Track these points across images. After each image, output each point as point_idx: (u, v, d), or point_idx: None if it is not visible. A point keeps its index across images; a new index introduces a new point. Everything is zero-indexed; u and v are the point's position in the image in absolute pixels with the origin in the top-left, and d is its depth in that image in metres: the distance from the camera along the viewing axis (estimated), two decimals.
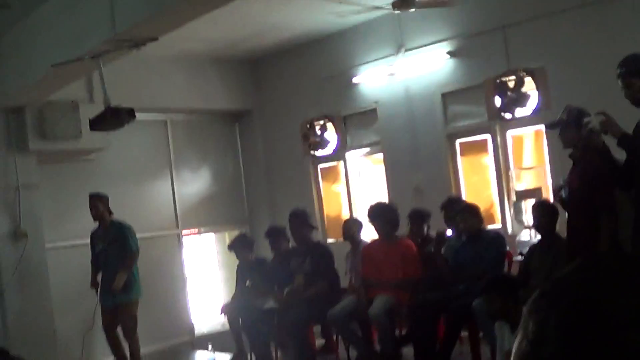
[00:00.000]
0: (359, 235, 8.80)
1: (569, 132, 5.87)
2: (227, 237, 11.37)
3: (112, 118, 7.32)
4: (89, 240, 8.93)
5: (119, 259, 8.57)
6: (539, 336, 0.84)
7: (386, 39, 10.11)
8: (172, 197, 11.19)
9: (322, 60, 11.02)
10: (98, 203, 8.64)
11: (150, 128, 10.94)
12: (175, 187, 11.23)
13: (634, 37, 7.55)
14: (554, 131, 6.39)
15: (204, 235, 11.86)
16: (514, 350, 0.88)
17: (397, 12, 8.09)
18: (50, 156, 9.56)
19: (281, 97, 11.66)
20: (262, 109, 11.95)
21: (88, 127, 7.82)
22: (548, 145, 8.60)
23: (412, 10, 8.04)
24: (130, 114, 7.33)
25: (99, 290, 8.71)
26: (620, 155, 5.30)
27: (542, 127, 8.40)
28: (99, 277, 8.74)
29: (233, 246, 9.59)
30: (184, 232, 11.33)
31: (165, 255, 10.88)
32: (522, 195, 8.78)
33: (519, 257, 7.60)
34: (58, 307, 9.27)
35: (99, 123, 7.45)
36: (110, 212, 8.72)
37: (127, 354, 8.73)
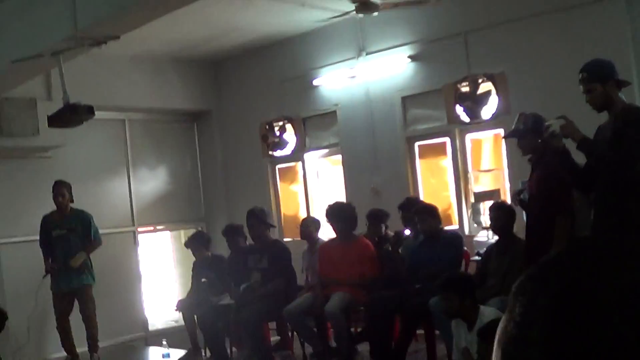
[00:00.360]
0: (316, 234, 8.86)
1: (528, 140, 5.96)
2: (183, 234, 11.40)
3: (71, 115, 7.30)
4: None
5: (79, 245, 8.58)
6: (526, 318, 0.83)
7: (347, 43, 10.19)
8: (128, 195, 11.15)
9: (283, 63, 11.05)
10: (64, 190, 8.63)
11: (108, 126, 10.88)
12: (132, 185, 11.19)
13: (592, 44, 7.73)
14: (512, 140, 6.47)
15: (159, 232, 11.83)
16: (498, 333, 0.86)
17: (360, 15, 8.14)
18: (6, 153, 9.46)
19: (241, 98, 11.67)
20: (222, 109, 11.97)
21: (46, 124, 7.82)
22: (506, 148, 8.73)
23: (375, 14, 8.10)
24: (89, 111, 7.31)
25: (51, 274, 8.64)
26: (580, 159, 5.39)
27: (500, 131, 8.52)
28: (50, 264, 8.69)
29: (189, 243, 9.62)
30: (140, 229, 11.29)
31: (121, 252, 10.81)
32: (480, 197, 8.90)
33: (476, 258, 7.71)
34: (11, 303, 9.16)
35: (57, 120, 7.42)
36: (72, 200, 8.72)
37: (86, 340, 8.67)
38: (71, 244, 8.60)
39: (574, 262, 0.86)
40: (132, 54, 10.54)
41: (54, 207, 8.75)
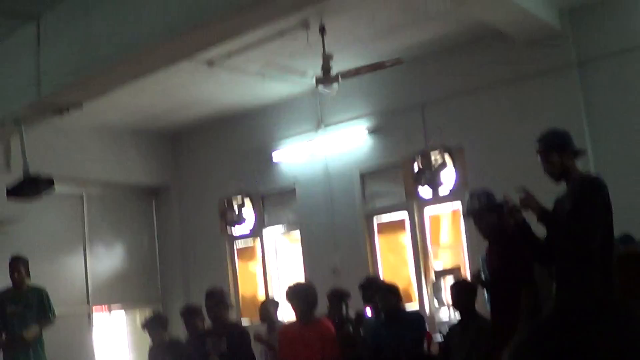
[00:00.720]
0: (276, 316, 8.71)
1: (485, 219, 5.95)
2: (139, 315, 11.17)
3: (31, 187, 7.22)
4: None
5: (34, 322, 8.35)
6: None
7: (306, 115, 10.29)
8: (84, 273, 10.98)
9: (242, 136, 11.11)
10: (20, 266, 8.44)
11: (66, 202, 10.78)
12: (87, 262, 11.03)
13: (546, 114, 7.91)
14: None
15: (114, 313, 11.58)
16: None
17: (320, 88, 8.23)
18: None
19: (200, 173, 11.67)
20: (180, 184, 11.94)
21: (2, 195, 7.67)
22: (465, 224, 8.74)
23: (335, 86, 8.20)
24: (49, 183, 7.25)
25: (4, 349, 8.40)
26: (540, 230, 5.38)
27: (459, 205, 8.54)
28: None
29: (147, 325, 9.38)
30: (95, 308, 11.06)
31: (74, 333, 10.54)
32: (441, 273, 8.88)
33: (439, 336, 7.61)
34: None
35: (17, 191, 7.32)
36: (29, 276, 8.53)
37: None
38: (27, 320, 8.37)
39: (565, 324, 0.89)
40: (91, 126, 10.56)
41: (10, 283, 8.52)
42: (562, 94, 8.19)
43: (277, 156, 10.64)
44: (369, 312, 8.04)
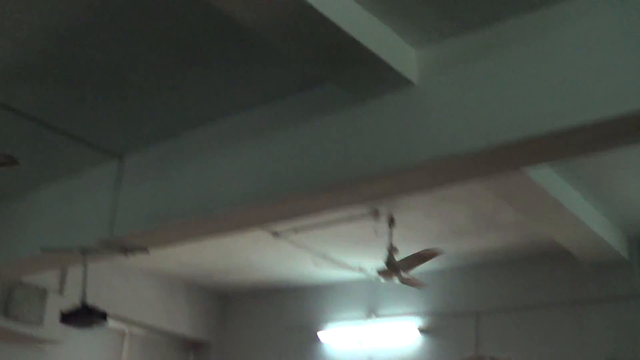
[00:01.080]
0: None
1: None
2: None
3: (85, 316, 7.28)
4: None
5: None
6: None
7: (359, 301, 10.28)
8: None
9: (291, 309, 11.10)
10: None
11: (108, 335, 10.78)
12: None
13: (603, 344, 7.87)
14: None
15: None
16: None
17: (382, 280, 8.28)
18: (6, 335, 9.33)
19: (243, 337, 11.59)
20: (222, 344, 11.84)
21: (51, 316, 7.80)
22: None
23: (397, 282, 8.25)
24: (103, 316, 7.31)
25: None
26: None
27: None
28: None
29: None
30: None
31: None
32: None
33: None
34: None
35: (71, 318, 7.36)
36: None
37: None
38: None
39: None
40: (146, 269, 10.76)
41: None
42: (621, 323, 8.07)
43: (322, 336, 10.58)
44: None
